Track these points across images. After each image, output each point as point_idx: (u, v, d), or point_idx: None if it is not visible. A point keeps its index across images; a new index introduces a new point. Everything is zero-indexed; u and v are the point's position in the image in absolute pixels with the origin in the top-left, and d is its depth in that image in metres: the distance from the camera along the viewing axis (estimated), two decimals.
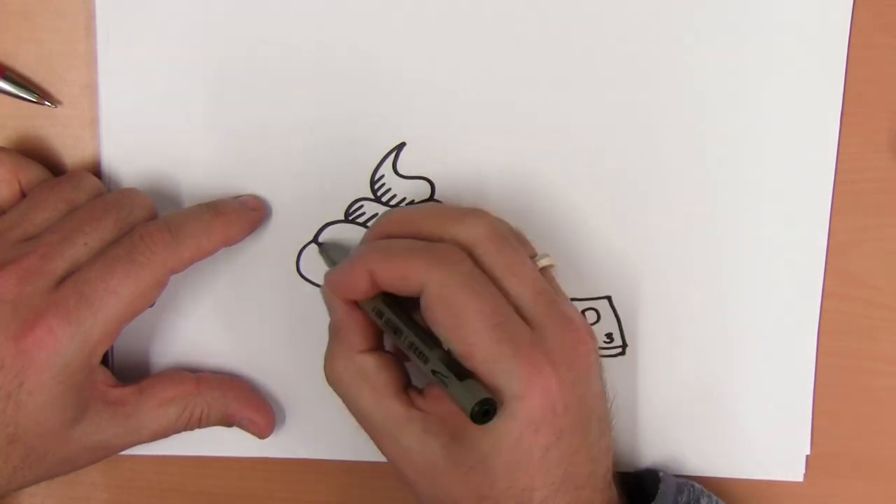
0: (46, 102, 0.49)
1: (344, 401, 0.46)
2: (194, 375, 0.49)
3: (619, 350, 0.51)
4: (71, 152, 0.50)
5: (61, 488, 0.52)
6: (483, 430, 0.42)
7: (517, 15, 0.49)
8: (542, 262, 0.46)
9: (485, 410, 0.41)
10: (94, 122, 0.50)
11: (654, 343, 0.50)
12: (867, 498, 0.51)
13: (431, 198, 0.50)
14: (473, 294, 0.43)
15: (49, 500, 0.52)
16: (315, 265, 0.50)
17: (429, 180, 0.50)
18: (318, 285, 0.50)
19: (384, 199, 0.50)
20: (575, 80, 0.49)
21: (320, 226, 0.50)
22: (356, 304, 0.46)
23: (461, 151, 0.50)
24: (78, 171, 0.49)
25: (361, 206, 0.50)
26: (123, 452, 0.48)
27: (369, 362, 0.46)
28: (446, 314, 0.43)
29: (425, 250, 0.44)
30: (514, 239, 0.45)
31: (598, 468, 0.44)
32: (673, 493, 0.47)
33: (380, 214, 0.48)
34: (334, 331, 0.47)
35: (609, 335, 0.51)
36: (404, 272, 0.44)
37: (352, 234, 0.50)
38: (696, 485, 0.49)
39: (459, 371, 0.42)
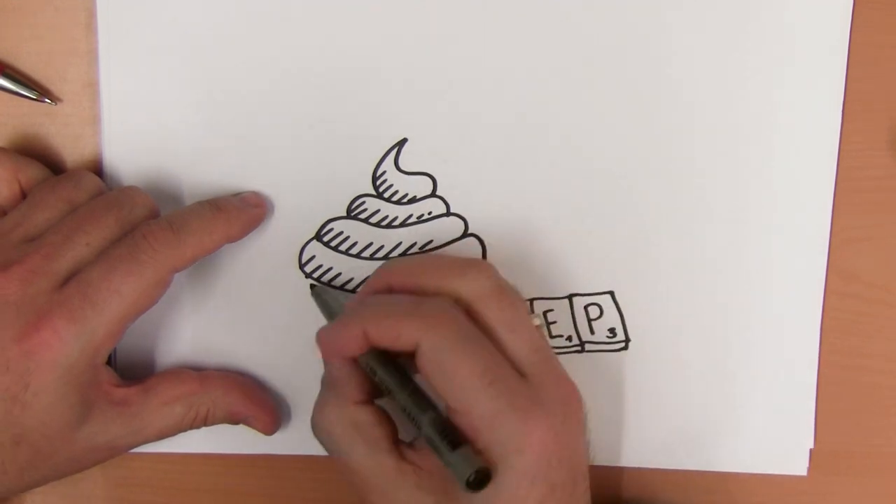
0: (47, 100, 0.49)
1: (332, 453, 0.45)
2: (198, 374, 0.49)
3: (622, 345, 0.51)
4: (71, 151, 0.50)
5: (61, 486, 0.52)
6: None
7: (518, 12, 0.49)
8: (535, 322, 0.46)
9: (479, 480, 0.41)
10: (94, 121, 0.49)
11: (657, 338, 0.51)
12: (870, 493, 0.52)
13: (433, 193, 0.50)
14: (466, 354, 0.42)
15: (49, 497, 0.52)
16: (317, 261, 0.50)
17: (430, 176, 0.50)
18: (318, 283, 0.50)
19: (386, 194, 0.50)
20: (576, 78, 0.49)
21: (322, 222, 0.50)
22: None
23: (463, 147, 0.50)
24: (78, 170, 0.48)
25: (363, 202, 0.50)
26: None
27: (363, 415, 0.45)
28: (441, 375, 0.42)
29: (418, 310, 0.43)
30: (514, 294, 0.45)
31: None
32: None
33: (379, 266, 0.47)
34: (329, 381, 0.46)
35: (612, 330, 0.51)
36: (397, 332, 0.43)
37: (353, 232, 0.50)
38: None
39: (452, 436, 0.42)
